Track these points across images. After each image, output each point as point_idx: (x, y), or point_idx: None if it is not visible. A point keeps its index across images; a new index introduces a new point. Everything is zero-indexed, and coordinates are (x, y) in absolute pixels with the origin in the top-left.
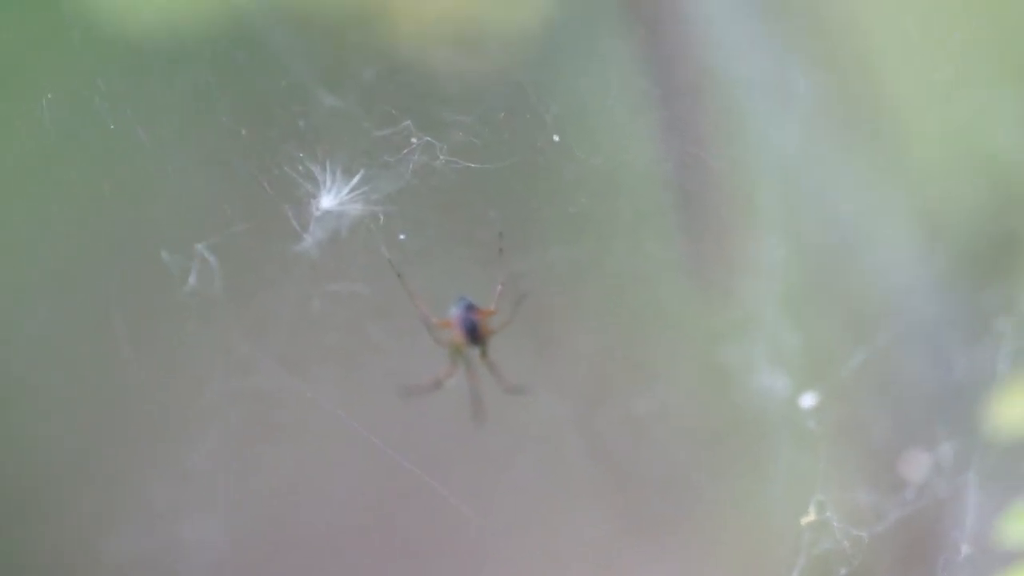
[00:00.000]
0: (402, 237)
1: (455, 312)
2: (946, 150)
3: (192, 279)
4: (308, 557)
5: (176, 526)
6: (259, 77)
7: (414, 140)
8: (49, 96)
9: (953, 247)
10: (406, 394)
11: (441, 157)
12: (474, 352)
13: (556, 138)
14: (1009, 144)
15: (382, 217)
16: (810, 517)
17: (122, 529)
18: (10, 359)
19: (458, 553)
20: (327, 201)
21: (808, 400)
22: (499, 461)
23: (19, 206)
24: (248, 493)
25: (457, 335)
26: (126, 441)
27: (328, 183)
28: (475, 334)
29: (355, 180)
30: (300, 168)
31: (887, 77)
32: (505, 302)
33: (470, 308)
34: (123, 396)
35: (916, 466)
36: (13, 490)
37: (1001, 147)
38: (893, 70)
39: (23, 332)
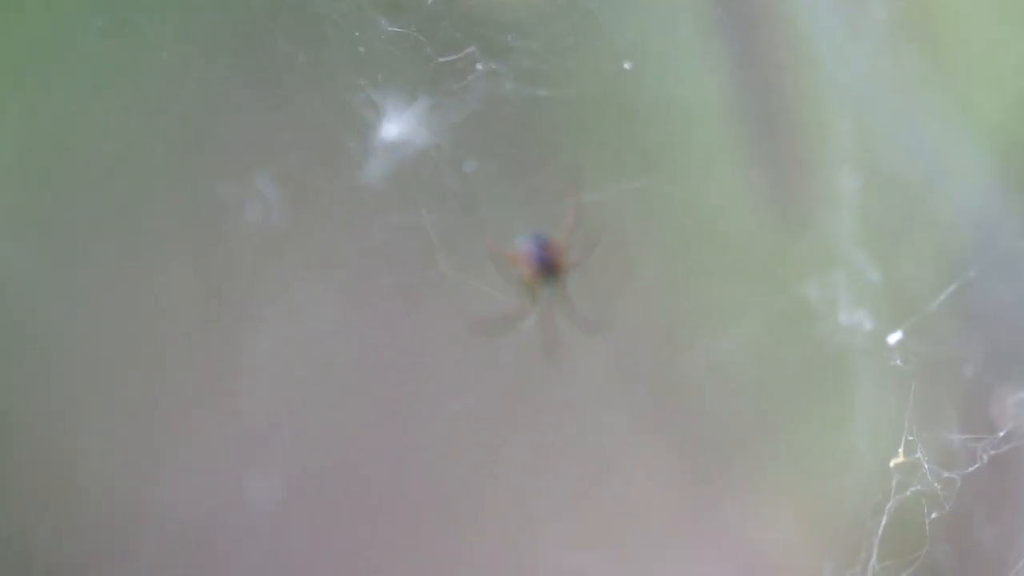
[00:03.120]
0: (468, 168)
1: (526, 248)
2: None
3: (250, 212)
4: (365, 506)
5: (229, 473)
6: (316, 1)
7: (479, 67)
8: (100, 25)
9: None
10: (478, 332)
11: (508, 84)
12: (546, 288)
13: (627, 65)
14: None
15: (447, 146)
16: (899, 459)
17: (175, 478)
18: (62, 299)
19: (525, 499)
20: (389, 130)
21: (894, 337)
22: (570, 402)
23: (72, 138)
24: (304, 437)
25: (529, 272)
26: (178, 385)
27: (390, 111)
28: (550, 271)
29: (418, 108)
30: (361, 96)
31: (970, 2)
32: (576, 235)
33: (543, 244)
34: (177, 336)
35: (1009, 405)
36: (63, 436)
37: None
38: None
39: (75, 269)
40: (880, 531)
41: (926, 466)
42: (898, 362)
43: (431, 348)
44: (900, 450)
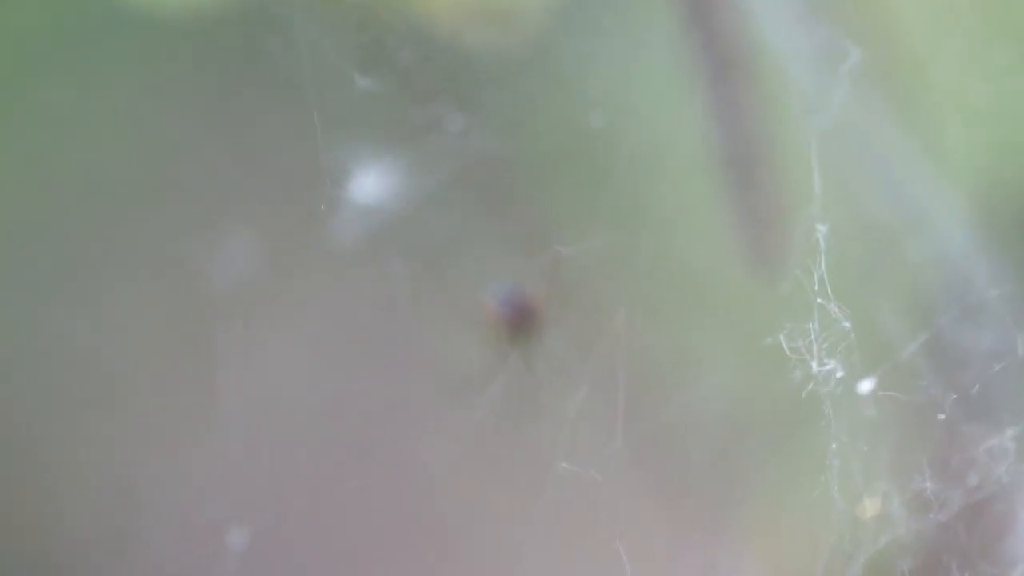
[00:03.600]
0: (441, 224)
1: (499, 303)
2: (1005, 129)
3: (219, 271)
4: (327, 547)
5: (206, 519)
6: (289, 61)
7: (452, 121)
8: (74, 77)
9: (1016, 223)
10: (453, 392)
11: (481, 139)
12: (521, 341)
13: (600, 119)
14: None
15: (420, 203)
16: (872, 508)
17: (151, 524)
18: (24, 362)
19: (500, 547)
20: (362, 185)
21: (867, 384)
22: (541, 452)
23: (38, 197)
24: (279, 486)
25: (504, 326)
26: (148, 441)
27: (362, 167)
28: (525, 326)
29: (391, 163)
30: (333, 154)
31: (945, 51)
32: (553, 289)
33: (516, 300)
34: (146, 392)
35: (981, 452)
36: (28, 501)
37: None
38: (952, 45)
39: (39, 329)
40: None
41: (899, 515)
42: (870, 410)
43: (406, 400)
44: (873, 499)
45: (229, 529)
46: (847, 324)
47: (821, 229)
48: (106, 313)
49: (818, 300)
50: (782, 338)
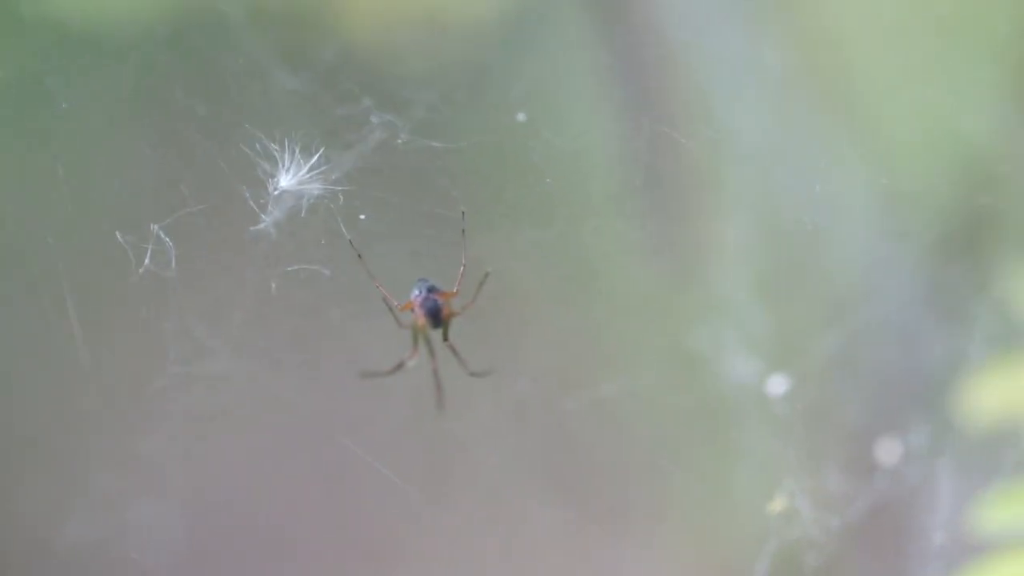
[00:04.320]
0: (363, 217)
1: (416, 294)
2: (919, 130)
3: (147, 261)
4: (262, 547)
5: (128, 514)
6: (215, 55)
7: (374, 119)
8: None
9: (927, 229)
10: (367, 378)
11: (403, 136)
12: (437, 335)
13: (521, 117)
14: (982, 124)
15: (342, 197)
16: (779, 504)
17: (74, 517)
18: None
19: (417, 543)
20: (285, 181)
21: (778, 384)
22: (461, 447)
23: None
24: (201, 480)
25: (419, 318)
26: (77, 427)
27: (286, 163)
28: (437, 317)
29: (314, 159)
30: (257, 147)
31: (860, 54)
32: (468, 284)
33: (431, 290)
34: (74, 381)
35: (888, 452)
36: None
37: (974, 127)
38: (866, 47)
39: None
40: None
41: (807, 512)
42: (781, 409)
43: (323, 393)
44: (782, 496)
45: (146, 518)
46: (762, 324)
47: (739, 229)
48: (34, 304)
49: (734, 299)
50: (697, 336)
